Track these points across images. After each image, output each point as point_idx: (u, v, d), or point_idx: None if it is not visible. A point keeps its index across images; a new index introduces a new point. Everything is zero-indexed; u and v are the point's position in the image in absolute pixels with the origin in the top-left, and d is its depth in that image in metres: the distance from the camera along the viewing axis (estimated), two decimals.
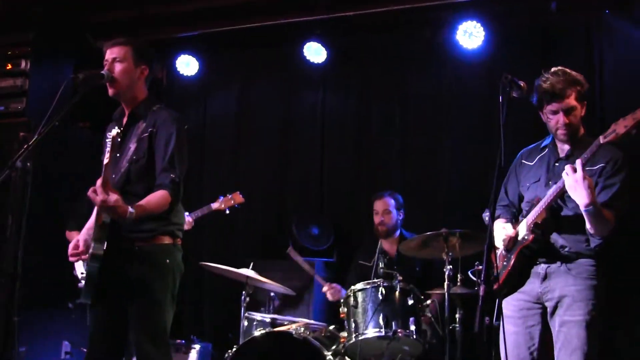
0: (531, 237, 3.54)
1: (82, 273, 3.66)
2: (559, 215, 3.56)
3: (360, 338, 4.47)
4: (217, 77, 7.11)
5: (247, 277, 5.04)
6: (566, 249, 3.52)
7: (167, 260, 3.54)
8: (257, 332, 4.79)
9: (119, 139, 3.44)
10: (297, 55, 6.42)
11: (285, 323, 4.98)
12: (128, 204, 3.28)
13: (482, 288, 2.83)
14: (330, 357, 4.49)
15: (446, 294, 4.44)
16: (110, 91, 3.63)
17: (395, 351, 4.53)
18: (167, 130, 3.55)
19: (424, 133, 6.26)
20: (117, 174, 3.54)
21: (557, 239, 3.55)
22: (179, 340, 5.68)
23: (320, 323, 4.98)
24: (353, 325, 4.55)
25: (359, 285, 4.65)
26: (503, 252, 3.71)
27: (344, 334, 4.69)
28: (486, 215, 3.79)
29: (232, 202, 5.49)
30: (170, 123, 3.57)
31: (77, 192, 5.57)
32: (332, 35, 6.31)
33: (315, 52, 6.35)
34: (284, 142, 6.81)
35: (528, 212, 3.64)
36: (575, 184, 3.28)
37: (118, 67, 3.61)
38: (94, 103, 4.34)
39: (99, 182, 3.25)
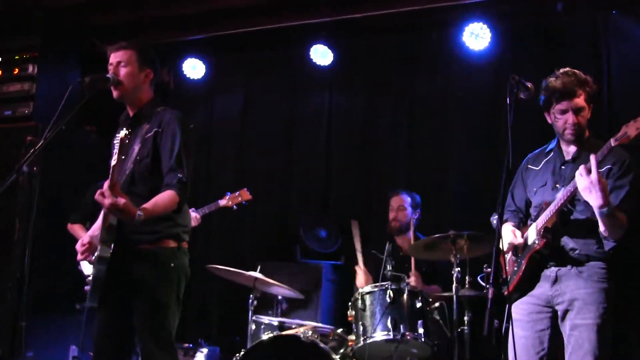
0: (542, 241, 3.51)
1: (88, 275, 3.64)
2: (569, 219, 3.54)
3: (368, 341, 4.44)
4: (223, 80, 7.12)
5: (255, 279, 5.02)
6: (576, 252, 3.50)
7: (172, 264, 3.53)
8: (264, 336, 4.77)
9: (127, 141, 3.43)
10: (303, 58, 6.42)
11: (293, 326, 4.96)
12: (133, 204, 3.28)
13: (491, 291, 2.81)
14: None
15: (454, 296, 4.42)
16: (115, 94, 3.63)
17: (404, 354, 4.51)
18: (173, 130, 3.54)
19: (430, 134, 6.25)
20: (122, 175, 3.54)
21: (567, 242, 3.53)
22: (186, 344, 5.68)
23: (328, 326, 4.96)
24: (361, 328, 4.53)
25: (367, 288, 4.63)
26: (513, 257, 3.69)
27: (352, 337, 4.67)
28: (494, 219, 3.77)
29: (240, 198, 5.43)
30: (176, 123, 3.57)
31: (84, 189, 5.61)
32: (339, 38, 6.30)
33: (321, 55, 6.34)
34: (290, 145, 6.80)
35: (537, 216, 3.61)
36: (590, 186, 3.23)
37: (123, 70, 3.61)
38: (100, 107, 4.35)
39: (106, 184, 3.24)
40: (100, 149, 4.63)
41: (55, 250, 5.58)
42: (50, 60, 6.23)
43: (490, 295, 2.81)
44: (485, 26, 5.75)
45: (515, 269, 3.64)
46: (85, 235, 3.60)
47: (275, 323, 5.00)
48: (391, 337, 4.38)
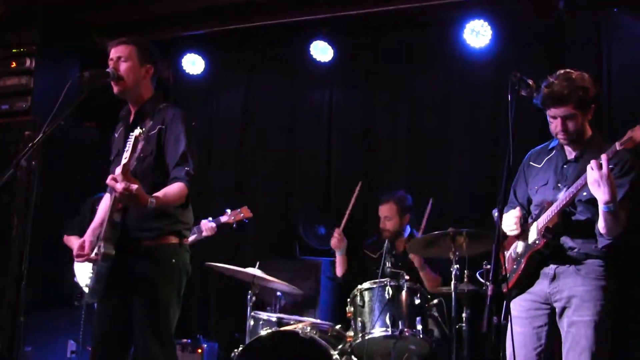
0: (542, 241, 3.50)
1: (89, 275, 3.63)
2: (570, 220, 3.53)
3: (367, 337, 4.46)
4: (223, 76, 7.11)
5: (254, 276, 5.02)
6: (575, 250, 3.50)
7: (173, 260, 3.53)
8: (263, 332, 4.77)
9: (141, 140, 3.40)
10: (303, 54, 6.41)
11: (292, 322, 4.96)
12: None
13: (490, 287, 2.80)
14: (337, 356, 4.47)
15: (453, 293, 4.42)
16: (116, 89, 3.62)
17: (402, 350, 4.51)
18: (178, 127, 3.55)
19: (431, 132, 6.25)
20: None
21: (566, 240, 3.52)
22: (185, 340, 5.68)
23: (327, 322, 4.96)
24: (360, 324, 4.53)
25: (366, 285, 4.63)
26: (512, 255, 3.69)
27: (351, 333, 4.67)
28: (495, 212, 3.76)
29: (241, 216, 5.46)
30: (180, 119, 3.58)
31: (78, 204, 5.59)
32: (339, 34, 6.29)
33: (321, 51, 6.33)
34: (290, 141, 6.79)
35: (538, 215, 3.60)
36: (600, 180, 3.22)
37: (123, 65, 3.60)
38: (100, 103, 4.34)
39: (118, 169, 3.22)
40: (100, 144, 4.61)
41: (54, 245, 5.57)
42: (49, 55, 6.21)
43: (489, 292, 2.80)
44: (486, 23, 5.74)
45: (515, 267, 3.63)
46: (84, 239, 3.61)
47: (274, 319, 5.00)
48: (390, 333, 4.40)
